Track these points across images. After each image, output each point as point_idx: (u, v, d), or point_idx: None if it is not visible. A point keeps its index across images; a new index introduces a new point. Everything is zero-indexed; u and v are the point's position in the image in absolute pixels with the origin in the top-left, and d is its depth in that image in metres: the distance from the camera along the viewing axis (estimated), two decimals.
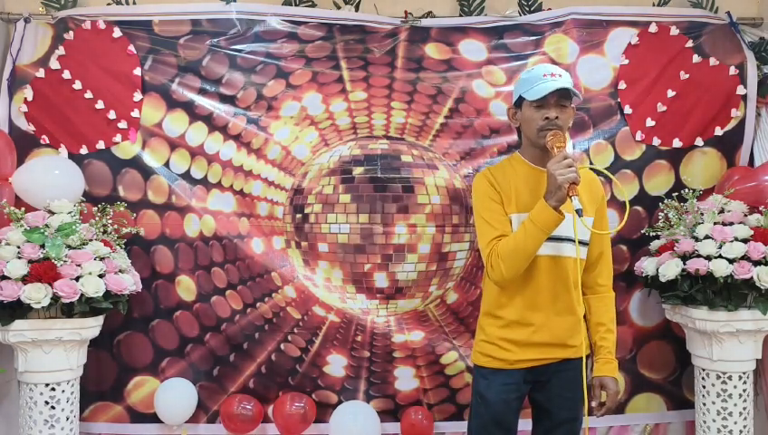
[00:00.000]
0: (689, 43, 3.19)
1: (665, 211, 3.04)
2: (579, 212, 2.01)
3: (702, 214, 2.93)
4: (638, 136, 3.17)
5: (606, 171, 2.28)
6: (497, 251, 2.15)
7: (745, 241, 2.80)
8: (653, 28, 3.20)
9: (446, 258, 3.14)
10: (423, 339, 3.14)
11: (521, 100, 2.22)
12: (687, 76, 3.16)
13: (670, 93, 3.15)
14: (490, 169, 2.31)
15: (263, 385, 3.12)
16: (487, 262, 2.19)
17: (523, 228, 2.12)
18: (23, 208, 2.80)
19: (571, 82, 2.18)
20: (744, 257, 2.77)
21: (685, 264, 2.83)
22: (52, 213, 2.83)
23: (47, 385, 2.72)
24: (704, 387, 2.91)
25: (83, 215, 2.90)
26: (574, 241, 2.17)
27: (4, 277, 2.63)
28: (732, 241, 2.80)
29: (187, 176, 3.11)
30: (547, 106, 2.15)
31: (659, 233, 3.06)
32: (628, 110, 3.17)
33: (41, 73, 3.06)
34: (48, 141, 3.06)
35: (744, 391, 2.87)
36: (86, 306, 2.69)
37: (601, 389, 2.27)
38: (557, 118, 2.14)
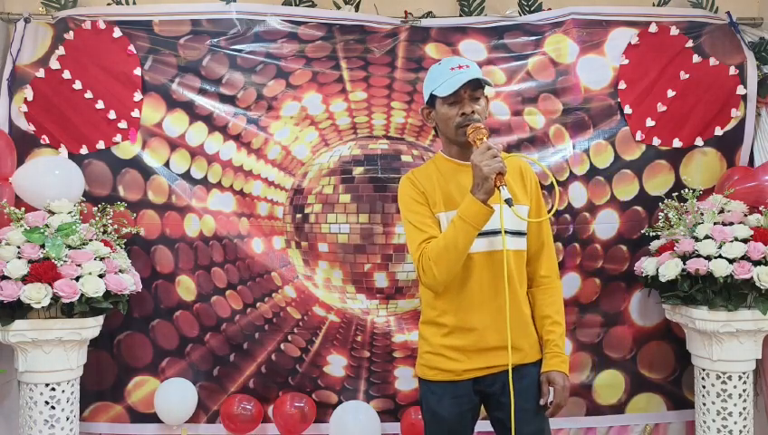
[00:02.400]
0: (689, 43, 3.19)
1: (665, 211, 3.04)
2: (509, 202, 1.91)
3: (702, 214, 2.93)
4: (638, 136, 3.17)
5: (532, 158, 2.11)
6: (427, 254, 2.03)
7: (745, 241, 2.79)
8: (653, 28, 3.19)
9: None
10: None
11: (432, 98, 2.13)
12: (687, 76, 3.16)
13: (670, 93, 3.15)
14: (413, 171, 2.22)
15: (263, 385, 3.12)
16: (418, 266, 2.07)
17: (452, 226, 2.01)
18: (23, 208, 2.80)
19: (480, 71, 2.10)
20: (744, 257, 2.77)
21: (685, 264, 2.82)
22: (52, 213, 2.83)
23: (47, 385, 2.72)
24: (704, 387, 2.91)
25: (83, 215, 2.90)
26: (507, 233, 2.04)
27: (5, 277, 2.63)
28: (732, 241, 2.79)
29: (187, 176, 3.11)
30: (460, 101, 2.07)
31: (659, 233, 3.05)
32: (628, 110, 3.17)
33: (41, 73, 3.06)
34: (48, 141, 3.06)
35: (744, 391, 2.87)
36: (86, 306, 2.69)
37: (549, 385, 2.12)
38: (473, 112, 2.06)
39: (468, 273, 2.09)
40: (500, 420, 2.16)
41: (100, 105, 3.06)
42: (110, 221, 2.93)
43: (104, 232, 2.90)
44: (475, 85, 2.07)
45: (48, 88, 3.05)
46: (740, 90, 3.17)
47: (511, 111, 3.16)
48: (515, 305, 2.10)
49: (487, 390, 2.14)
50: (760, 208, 2.91)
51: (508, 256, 2.05)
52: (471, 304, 2.10)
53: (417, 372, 2.26)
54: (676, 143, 3.18)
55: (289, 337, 3.13)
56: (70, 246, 2.74)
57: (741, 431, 2.85)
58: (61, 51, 3.07)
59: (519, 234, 2.14)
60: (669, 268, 2.84)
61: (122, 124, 3.07)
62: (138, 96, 3.08)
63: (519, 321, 2.12)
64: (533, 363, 2.15)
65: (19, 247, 2.69)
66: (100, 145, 3.07)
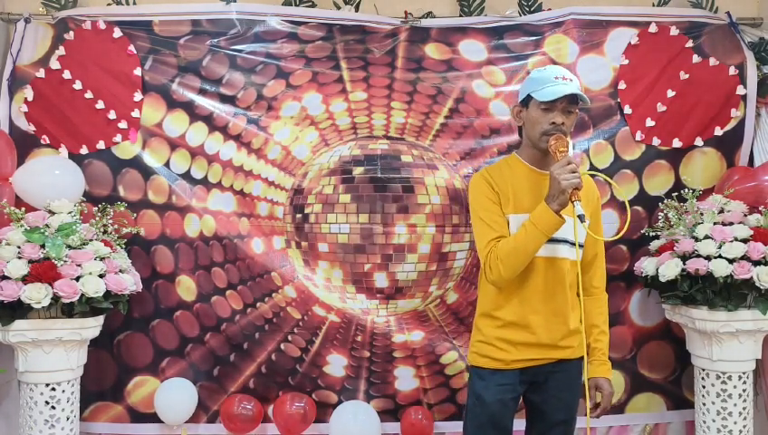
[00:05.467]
0: (689, 43, 3.19)
1: (665, 211, 3.04)
2: (581, 218, 2.00)
3: (702, 214, 2.93)
4: (638, 136, 3.17)
5: (604, 175, 2.27)
6: (496, 252, 2.14)
7: (745, 241, 2.80)
8: (653, 28, 3.20)
9: (446, 258, 3.14)
10: (423, 339, 3.14)
11: (528, 98, 2.20)
12: (687, 76, 3.16)
13: (670, 93, 3.15)
14: (488, 169, 2.30)
15: (263, 385, 3.12)
16: (485, 263, 2.18)
17: (523, 230, 2.12)
18: (23, 208, 2.80)
19: (579, 88, 2.18)
20: (744, 257, 2.77)
21: (684, 264, 2.82)
22: (52, 213, 2.83)
23: (47, 385, 2.72)
24: (704, 387, 2.91)
25: (83, 215, 2.90)
26: (569, 242, 2.19)
27: (5, 277, 2.63)
28: (732, 241, 2.80)
29: (187, 176, 3.11)
30: (554, 110, 2.14)
31: (659, 233, 3.06)
32: (628, 110, 3.17)
33: (41, 73, 3.06)
34: (48, 141, 3.06)
35: (744, 391, 2.87)
36: (86, 306, 2.69)
37: (596, 390, 2.28)
38: (563, 124, 2.14)
39: (529, 274, 2.20)
40: (534, 402, 2.32)
41: (100, 105, 3.06)
42: (110, 221, 2.93)
43: (104, 232, 2.90)
44: (572, 100, 2.15)
45: (48, 88, 3.05)
46: (740, 90, 3.17)
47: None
48: (568, 309, 2.23)
49: (534, 379, 2.27)
50: (760, 208, 2.91)
51: (565, 264, 2.21)
52: (528, 303, 2.22)
53: (468, 359, 2.39)
54: (676, 143, 3.18)
55: (289, 337, 3.13)
56: (70, 246, 2.74)
57: (741, 431, 2.86)
58: (61, 51, 3.07)
59: (579, 246, 2.23)
60: (669, 268, 2.84)
61: (122, 124, 3.07)
62: (138, 96, 3.08)
63: (569, 323, 2.24)
64: (577, 359, 2.28)
65: (19, 247, 2.69)
66: (101, 145, 3.07)
